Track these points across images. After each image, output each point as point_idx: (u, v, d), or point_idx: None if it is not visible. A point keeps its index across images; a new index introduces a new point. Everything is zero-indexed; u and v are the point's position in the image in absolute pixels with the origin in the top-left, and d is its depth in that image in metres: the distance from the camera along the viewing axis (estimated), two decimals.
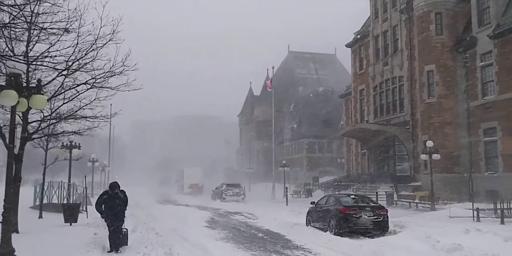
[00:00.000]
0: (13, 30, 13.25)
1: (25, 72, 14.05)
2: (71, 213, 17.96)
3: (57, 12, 13.39)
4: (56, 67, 14.32)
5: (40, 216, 19.56)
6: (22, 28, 13.24)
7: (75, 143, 23.19)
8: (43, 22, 13.64)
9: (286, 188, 39.25)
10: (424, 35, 31.64)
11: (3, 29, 12.44)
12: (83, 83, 15.36)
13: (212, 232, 17.01)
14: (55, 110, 16.15)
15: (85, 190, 25.37)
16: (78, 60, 14.71)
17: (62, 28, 13.19)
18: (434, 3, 31.05)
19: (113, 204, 11.83)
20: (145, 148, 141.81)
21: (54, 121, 16.56)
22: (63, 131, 17.89)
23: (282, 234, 16.22)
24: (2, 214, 9.65)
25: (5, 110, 14.88)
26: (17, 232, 14.14)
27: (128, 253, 11.55)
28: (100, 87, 15.50)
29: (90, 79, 15.24)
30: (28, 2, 11.54)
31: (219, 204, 36.17)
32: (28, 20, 12.63)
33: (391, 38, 37.42)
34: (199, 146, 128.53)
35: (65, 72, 14.60)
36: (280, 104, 66.43)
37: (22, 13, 12.36)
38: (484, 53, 28.31)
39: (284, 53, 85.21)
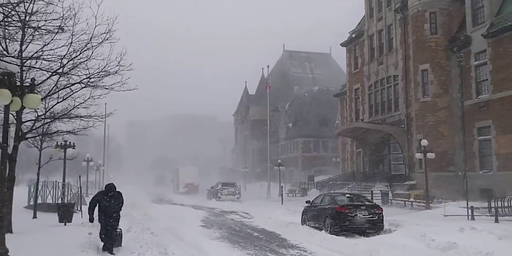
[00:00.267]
0: (6, 29, 13.18)
1: (19, 71, 13.96)
2: (65, 213, 17.88)
3: (52, 11, 13.33)
4: (50, 66, 14.28)
5: (35, 216, 19.46)
6: (16, 26, 13.17)
7: (70, 142, 23.08)
8: (37, 21, 13.58)
9: (282, 187, 39.25)
10: (418, 34, 31.73)
11: None
12: (77, 83, 15.30)
13: (208, 231, 16.99)
14: (49, 109, 16.07)
15: (79, 190, 25.26)
16: (72, 59, 14.66)
17: (57, 26, 13.13)
18: (428, 2, 31.13)
19: (109, 205, 11.66)
20: (140, 147, 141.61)
21: (48, 120, 16.48)
22: (58, 131, 17.83)
23: (278, 233, 16.22)
24: None
25: None
26: (11, 232, 14.06)
27: (123, 253, 11.51)
28: (94, 86, 15.44)
29: (84, 78, 15.18)
30: (21, 0, 11.48)
31: (214, 203, 36.15)
32: (22, 19, 12.56)
33: (386, 37, 37.50)
34: (194, 145, 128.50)
35: (59, 71, 14.53)
36: (275, 103, 66.47)
37: (16, 12, 12.30)
38: (478, 52, 28.43)
39: (279, 53, 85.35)
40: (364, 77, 40.38)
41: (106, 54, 14.69)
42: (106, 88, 15.52)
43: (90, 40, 14.38)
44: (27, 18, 12.97)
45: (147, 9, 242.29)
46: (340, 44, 45.35)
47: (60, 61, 14.30)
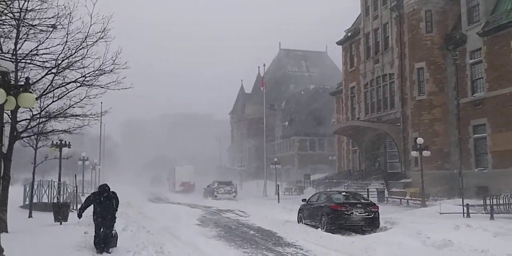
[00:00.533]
0: (1, 28, 13.11)
1: (14, 70, 13.91)
2: (61, 212, 17.83)
3: (46, 9, 13.28)
4: (45, 65, 14.22)
5: (30, 216, 19.41)
6: (10, 24, 13.11)
7: (65, 141, 23.00)
8: (32, 19, 13.52)
9: (278, 185, 39.31)
10: (414, 32, 31.79)
11: None
12: (72, 81, 15.26)
13: (204, 230, 16.98)
14: (45, 108, 16.02)
15: (75, 189, 25.20)
16: (67, 58, 14.61)
17: (51, 25, 13.07)
18: (424, 0, 31.17)
19: (103, 207, 11.32)
20: (137, 146, 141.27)
21: (43, 119, 16.42)
22: (53, 130, 17.78)
23: (274, 231, 16.23)
24: None
25: None
26: (7, 231, 14.02)
27: (119, 252, 11.48)
28: (89, 85, 15.41)
29: (79, 77, 15.15)
30: None
31: (210, 202, 36.12)
32: (17, 17, 12.49)
33: (382, 35, 37.56)
34: (190, 144, 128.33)
35: (54, 70, 14.48)
36: (271, 102, 66.47)
37: (10, 10, 12.23)
38: (474, 51, 28.52)
39: (276, 51, 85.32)
40: (360, 76, 40.44)
41: (102, 53, 14.68)
42: (101, 87, 15.51)
43: (85, 38, 14.35)
44: (22, 16, 12.90)
45: (143, 8, 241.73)
46: (336, 43, 45.39)
47: (55, 60, 14.25)
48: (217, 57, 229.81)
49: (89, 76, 15.14)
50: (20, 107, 12.17)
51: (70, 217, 18.32)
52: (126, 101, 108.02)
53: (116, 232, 11.92)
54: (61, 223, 17.36)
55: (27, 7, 12.64)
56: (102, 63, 14.78)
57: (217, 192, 39.98)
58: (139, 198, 40.28)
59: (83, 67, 14.98)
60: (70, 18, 13.80)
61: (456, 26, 30.61)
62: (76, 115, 16.35)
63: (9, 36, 14.09)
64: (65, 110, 16.04)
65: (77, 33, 14.29)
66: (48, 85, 15.22)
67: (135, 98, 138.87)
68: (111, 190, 11.63)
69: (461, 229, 13.86)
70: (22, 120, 15.53)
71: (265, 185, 45.79)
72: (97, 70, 14.98)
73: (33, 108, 14.99)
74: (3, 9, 10.84)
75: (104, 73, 15.14)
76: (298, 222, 18.40)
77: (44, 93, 15.28)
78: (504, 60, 26.01)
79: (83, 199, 25.03)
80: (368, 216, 16.02)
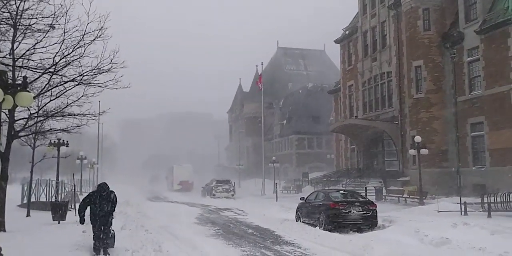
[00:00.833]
0: None
1: (11, 69, 13.88)
2: (59, 211, 17.82)
3: (43, 8, 13.26)
4: (43, 64, 14.21)
5: (28, 215, 19.39)
6: (7, 24, 13.09)
7: (63, 140, 22.99)
8: (29, 18, 13.50)
9: (276, 184, 39.34)
10: (412, 30, 31.82)
11: None
12: (70, 80, 15.23)
13: (202, 228, 17.00)
14: (42, 107, 15.99)
15: (73, 188, 25.19)
16: (65, 56, 14.59)
17: (48, 24, 13.05)
18: None
19: (101, 206, 11.01)
20: (135, 145, 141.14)
21: (41, 118, 16.40)
22: (51, 129, 17.74)
23: (272, 230, 16.25)
24: None
25: None
26: (4, 230, 14.02)
27: (117, 251, 11.48)
28: (87, 84, 15.38)
29: (77, 76, 15.12)
30: None
31: (209, 200, 36.15)
32: (13, 17, 12.48)
33: (380, 34, 37.58)
34: (188, 143, 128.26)
35: (51, 69, 14.45)
36: (269, 100, 66.44)
37: (7, 9, 12.22)
38: (471, 49, 28.56)
39: (273, 49, 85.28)
40: (358, 74, 40.46)
41: (99, 52, 14.64)
42: (99, 86, 15.48)
43: (83, 37, 14.32)
44: (18, 16, 12.88)
45: (140, 7, 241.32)
46: (334, 41, 45.40)
47: (52, 59, 14.24)
48: (215, 55, 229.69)
49: (87, 75, 15.11)
50: (17, 106, 12.16)
51: (68, 216, 18.33)
52: (124, 100, 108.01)
53: (114, 232, 11.72)
54: (59, 222, 17.35)
55: (23, 7, 12.63)
56: (100, 62, 14.76)
57: (215, 190, 40.01)
58: (138, 197, 40.31)
59: (81, 66, 14.97)
60: (67, 17, 13.80)
61: (454, 24, 30.64)
62: (74, 114, 16.32)
63: (6, 35, 14.08)
64: (62, 109, 16.01)
65: (74, 31, 14.28)
66: (46, 84, 15.19)
67: (133, 97, 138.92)
68: (110, 189, 11.34)
69: (459, 227, 13.90)
70: (20, 119, 15.51)
71: (263, 184, 45.81)
72: (94, 69, 14.96)
73: (31, 107, 14.96)
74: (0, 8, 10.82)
75: (102, 72, 15.12)
76: (296, 221, 18.42)
77: (42, 92, 15.25)
78: (501, 58, 26.06)
79: (81, 198, 25.03)
80: (366, 214, 16.04)
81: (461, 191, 23.59)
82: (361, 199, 17.19)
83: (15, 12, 13.17)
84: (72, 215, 19.44)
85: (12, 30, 14.14)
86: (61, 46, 14.24)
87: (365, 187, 31.13)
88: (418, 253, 11.20)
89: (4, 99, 9.06)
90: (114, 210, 11.39)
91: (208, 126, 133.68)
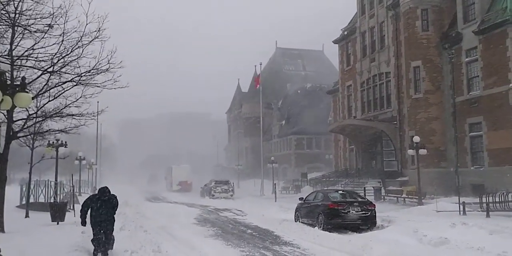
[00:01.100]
0: None
1: (10, 69, 13.87)
2: (58, 212, 17.79)
3: (41, 9, 13.25)
4: (41, 65, 14.19)
5: (27, 216, 19.36)
6: (6, 25, 13.08)
7: (62, 141, 22.96)
8: (28, 19, 13.49)
9: (275, 184, 39.34)
10: (410, 31, 31.86)
11: None
12: (68, 81, 15.21)
13: (201, 229, 16.99)
14: (41, 107, 15.97)
15: (72, 189, 25.16)
16: (63, 57, 14.57)
17: (47, 25, 13.04)
18: None
19: (102, 210, 10.82)
20: (134, 146, 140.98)
21: (40, 119, 16.37)
22: (49, 129, 17.71)
23: (271, 230, 16.25)
24: None
25: None
26: (3, 231, 14.01)
27: (116, 251, 11.47)
28: (86, 84, 15.36)
29: (75, 77, 15.10)
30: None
31: (208, 201, 36.13)
32: (12, 18, 12.47)
33: (378, 34, 37.62)
34: (187, 143, 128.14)
35: (50, 70, 14.44)
36: (268, 100, 66.49)
37: (6, 10, 12.21)
38: (469, 49, 28.60)
39: (272, 50, 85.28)
40: (357, 74, 40.49)
41: (98, 52, 14.63)
42: (98, 86, 15.46)
43: (81, 38, 14.31)
44: (17, 16, 12.87)
45: (139, 7, 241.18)
46: (333, 41, 45.45)
47: (51, 59, 14.22)
48: (214, 56, 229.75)
49: (85, 75, 15.10)
50: (16, 106, 12.16)
51: (67, 217, 18.31)
52: (123, 101, 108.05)
53: (113, 236, 11.50)
54: (58, 223, 17.33)
55: (21, 8, 12.62)
56: (98, 62, 14.74)
57: (214, 191, 39.98)
58: (137, 197, 40.28)
59: (79, 67, 14.95)
60: (66, 18, 13.78)
61: (452, 25, 30.69)
62: (73, 115, 16.29)
63: (5, 35, 14.06)
64: (61, 109, 15.98)
65: (73, 32, 14.26)
66: (44, 85, 15.18)
67: (132, 98, 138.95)
68: (111, 193, 11.15)
69: (457, 227, 13.91)
70: (18, 119, 15.48)
71: (262, 184, 45.79)
72: (93, 69, 14.94)
73: (29, 107, 14.95)
74: None
75: (100, 72, 15.09)
76: (295, 221, 18.43)
77: (40, 92, 15.23)
78: (499, 59, 26.11)
79: (80, 198, 25.03)
80: (365, 215, 16.05)
81: (459, 191, 23.62)
82: (360, 199, 17.21)
83: (13, 13, 13.16)
84: (71, 216, 19.44)
85: (10, 30, 14.14)
86: (59, 46, 14.25)
87: (364, 187, 31.15)
88: (417, 253, 11.22)
89: (2, 99, 9.06)
90: (115, 213, 11.23)
91: (207, 126, 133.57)
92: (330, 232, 15.12)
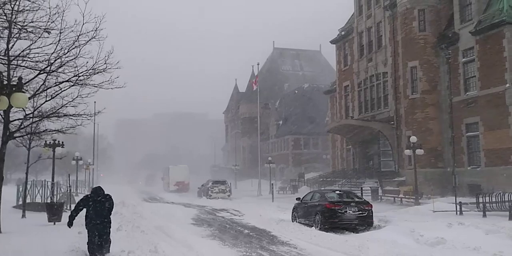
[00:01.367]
0: None
1: (6, 70, 13.84)
2: (55, 212, 17.78)
3: (38, 9, 13.22)
4: (38, 65, 14.16)
5: (23, 216, 19.33)
6: (2, 26, 13.05)
7: (59, 141, 22.92)
8: (24, 19, 13.46)
9: (272, 184, 39.33)
10: (407, 31, 31.92)
11: None
12: (65, 81, 15.18)
13: (198, 229, 16.97)
14: (38, 108, 15.94)
15: (69, 189, 25.13)
16: (60, 57, 14.55)
17: (43, 27, 13.02)
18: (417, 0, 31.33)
19: (96, 211, 10.35)
20: (131, 146, 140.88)
21: (36, 119, 16.34)
22: (46, 129, 17.67)
23: (268, 230, 16.24)
24: None
25: None
26: (0, 232, 13.96)
27: (113, 252, 11.44)
28: (83, 84, 15.34)
29: (72, 77, 15.07)
30: (8, 0, 11.36)
31: (205, 201, 36.07)
32: (8, 18, 12.43)
33: (375, 34, 37.68)
34: (184, 143, 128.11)
35: (47, 69, 14.41)
36: (265, 100, 66.56)
37: (3, 11, 12.18)
38: (466, 49, 28.68)
39: (269, 50, 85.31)
40: (354, 74, 40.55)
41: (95, 52, 14.61)
42: (94, 86, 15.44)
43: (78, 38, 14.28)
44: (14, 16, 12.84)
45: (136, 7, 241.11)
46: (330, 42, 45.49)
47: (47, 60, 14.19)
48: (212, 56, 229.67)
49: (82, 75, 15.07)
50: (12, 107, 12.14)
51: (63, 217, 18.24)
52: (120, 101, 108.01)
53: (110, 239, 11.07)
54: (54, 223, 17.31)
55: (18, 8, 12.58)
56: (96, 63, 14.72)
57: (211, 191, 39.92)
58: (134, 197, 40.19)
59: (76, 67, 14.92)
60: (62, 17, 13.76)
61: (449, 25, 30.76)
62: (69, 115, 16.26)
63: (1, 35, 14.03)
64: (58, 109, 15.95)
65: (70, 32, 14.24)
66: (41, 85, 15.15)
67: (129, 98, 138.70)
68: (105, 193, 10.73)
69: (454, 227, 13.96)
70: (15, 119, 15.45)
71: (260, 184, 45.81)
72: (90, 69, 14.91)
73: (26, 107, 14.91)
74: None
75: (97, 73, 15.07)
76: (292, 221, 18.43)
77: (37, 92, 15.20)
78: (496, 59, 26.18)
79: (76, 199, 24.94)
80: (361, 215, 16.07)
81: (456, 191, 23.67)
82: (356, 199, 17.22)
83: (10, 13, 13.13)
84: (67, 216, 19.38)
85: (7, 30, 14.10)
86: (56, 46, 14.22)
87: (361, 187, 31.18)
88: (414, 253, 11.23)
89: None
90: (110, 214, 10.78)
91: (204, 126, 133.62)
92: (327, 232, 15.13)
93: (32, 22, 13.45)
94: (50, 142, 22.50)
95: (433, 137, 30.42)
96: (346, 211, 15.98)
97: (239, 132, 75.93)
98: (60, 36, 14.10)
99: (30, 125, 16.77)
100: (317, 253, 11.66)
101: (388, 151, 35.98)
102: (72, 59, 14.73)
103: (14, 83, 11.30)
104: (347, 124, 38.71)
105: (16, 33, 14.13)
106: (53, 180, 24.35)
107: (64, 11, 13.66)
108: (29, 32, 13.59)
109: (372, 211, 16.38)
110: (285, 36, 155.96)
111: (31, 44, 14.05)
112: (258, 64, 53.76)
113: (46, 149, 22.37)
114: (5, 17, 12.21)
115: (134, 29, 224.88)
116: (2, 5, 10.85)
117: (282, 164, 61.58)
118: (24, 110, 15.54)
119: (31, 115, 15.84)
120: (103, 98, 20.88)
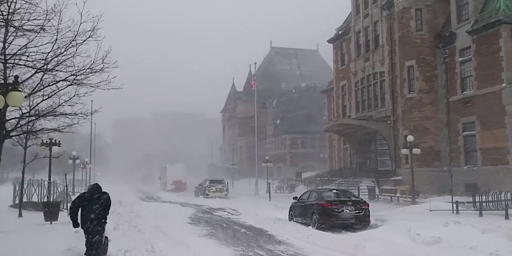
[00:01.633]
0: None
1: (2, 68, 13.80)
2: (51, 211, 17.74)
3: (35, 8, 13.18)
4: (35, 64, 14.11)
5: (20, 215, 19.29)
6: None
7: (55, 140, 22.86)
8: (21, 18, 13.41)
9: (269, 183, 39.35)
10: (404, 31, 31.96)
11: None
12: (62, 80, 15.13)
13: (195, 228, 16.97)
14: (34, 106, 15.88)
15: (65, 188, 25.07)
16: (57, 56, 14.49)
17: (39, 26, 12.97)
18: None
19: (93, 211, 9.89)
20: (128, 145, 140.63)
21: (33, 118, 16.28)
22: (42, 128, 17.61)
23: (265, 229, 16.26)
24: None
25: None
26: None
27: (110, 251, 11.42)
28: (79, 84, 15.29)
29: (69, 76, 15.02)
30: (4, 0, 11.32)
31: (202, 200, 36.07)
32: (5, 17, 12.38)
33: (372, 34, 37.72)
34: (182, 143, 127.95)
35: (43, 68, 14.36)
36: (263, 100, 66.47)
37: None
38: (463, 49, 28.73)
39: (267, 49, 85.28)
40: (351, 74, 40.58)
41: (92, 52, 14.56)
42: (91, 86, 15.39)
43: (75, 37, 14.23)
44: (10, 16, 12.79)
45: (134, 6, 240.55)
46: (327, 41, 45.51)
47: (44, 59, 14.14)
48: (211, 56, 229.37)
49: (80, 74, 15.02)
50: (9, 105, 12.09)
51: (60, 216, 18.24)
52: (118, 100, 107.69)
53: (107, 239, 10.79)
54: (51, 223, 17.28)
55: (14, 7, 12.54)
56: (93, 62, 14.67)
57: (208, 190, 39.90)
58: (131, 196, 40.14)
59: (73, 66, 14.87)
60: (60, 17, 13.71)
61: (446, 25, 30.81)
62: (66, 114, 16.21)
63: None
64: (54, 108, 15.90)
65: (67, 31, 14.18)
66: (38, 84, 15.09)
67: (127, 97, 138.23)
68: (102, 190, 10.28)
69: (450, 226, 14.00)
70: (11, 118, 15.39)
71: (257, 184, 45.80)
72: (87, 68, 14.86)
73: (23, 106, 14.85)
74: None
75: (94, 72, 15.02)
76: (289, 220, 18.45)
77: (34, 91, 15.15)
78: (493, 58, 26.24)
79: (73, 198, 24.87)
80: (358, 214, 16.11)
81: (453, 190, 23.74)
82: (353, 199, 17.25)
83: (6, 12, 13.07)
84: (64, 216, 19.33)
85: (3, 29, 14.04)
86: (53, 45, 14.17)
87: (358, 187, 31.24)
88: (410, 252, 11.26)
89: None
90: (107, 213, 10.28)
91: (201, 125, 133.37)
92: (324, 231, 15.16)
93: (29, 21, 13.41)
94: (46, 141, 22.44)
95: (430, 136, 30.48)
96: (343, 210, 16.01)
97: (236, 131, 75.91)
98: (57, 35, 14.06)
99: (27, 124, 16.70)
100: (314, 252, 11.68)
101: (385, 150, 36.06)
102: (69, 58, 14.69)
103: (11, 81, 11.27)
104: (344, 123, 38.76)
105: (13, 32, 14.08)
106: (49, 179, 24.30)
107: (61, 10, 13.62)
108: (26, 30, 13.54)
109: (369, 210, 16.41)
110: (284, 36, 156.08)
111: (27, 43, 14.00)
112: (255, 64, 53.73)
113: (42, 148, 22.32)
114: (1, 16, 12.16)
115: (134, 29, 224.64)
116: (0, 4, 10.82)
117: (279, 163, 61.61)
118: (21, 109, 15.47)
119: (27, 114, 15.78)
120: (101, 97, 20.85)
